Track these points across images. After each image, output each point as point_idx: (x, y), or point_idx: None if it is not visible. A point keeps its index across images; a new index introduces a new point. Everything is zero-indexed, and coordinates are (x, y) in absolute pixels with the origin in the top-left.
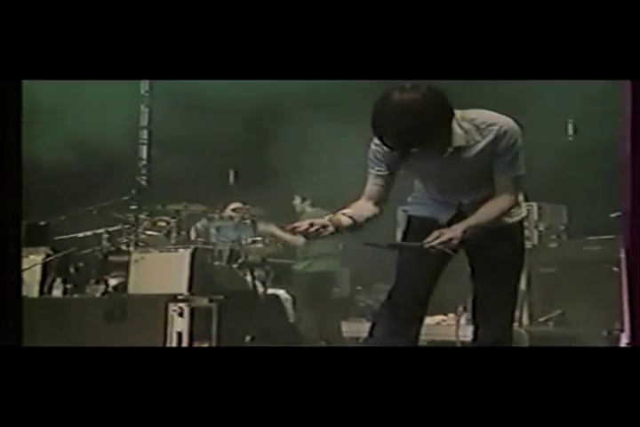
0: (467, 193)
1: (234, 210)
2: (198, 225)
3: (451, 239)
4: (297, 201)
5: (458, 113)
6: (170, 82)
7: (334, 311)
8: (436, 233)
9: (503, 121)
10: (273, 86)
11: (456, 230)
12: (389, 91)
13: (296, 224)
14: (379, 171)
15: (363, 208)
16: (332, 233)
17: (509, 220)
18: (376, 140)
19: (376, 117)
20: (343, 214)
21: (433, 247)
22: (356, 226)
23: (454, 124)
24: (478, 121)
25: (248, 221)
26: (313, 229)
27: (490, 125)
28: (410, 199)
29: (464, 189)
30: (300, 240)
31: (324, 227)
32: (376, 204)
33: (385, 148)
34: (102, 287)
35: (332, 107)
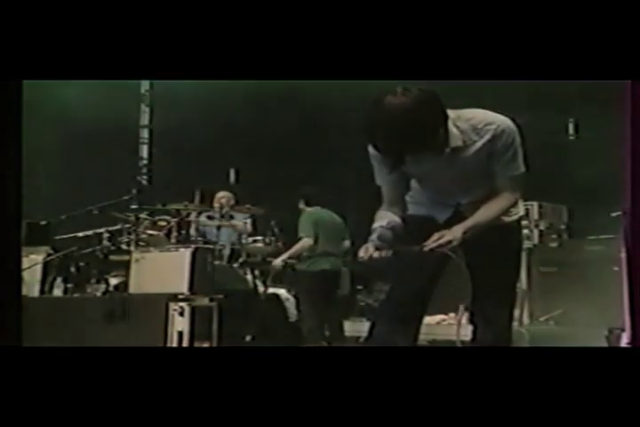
0: (464, 193)
1: (221, 198)
2: (199, 224)
3: (450, 241)
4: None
5: (454, 113)
6: (170, 82)
7: (336, 311)
8: (436, 235)
9: (500, 120)
10: (273, 85)
11: (456, 232)
12: (380, 95)
13: (361, 254)
14: (386, 174)
15: (391, 216)
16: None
17: (507, 219)
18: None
19: (366, 124)
20: (381, 227)
21: (433, 250)
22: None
23: (450, 125)
24: (475, 121)
25: (249, 220)
26: (376, 255)
27: (487, 125)
28: (407, 198)
29: (462, 190)
30: (308, 243)
31: (379, 250)
32: (400, 208)
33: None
34: (103, 287)
35: (332, 105)
